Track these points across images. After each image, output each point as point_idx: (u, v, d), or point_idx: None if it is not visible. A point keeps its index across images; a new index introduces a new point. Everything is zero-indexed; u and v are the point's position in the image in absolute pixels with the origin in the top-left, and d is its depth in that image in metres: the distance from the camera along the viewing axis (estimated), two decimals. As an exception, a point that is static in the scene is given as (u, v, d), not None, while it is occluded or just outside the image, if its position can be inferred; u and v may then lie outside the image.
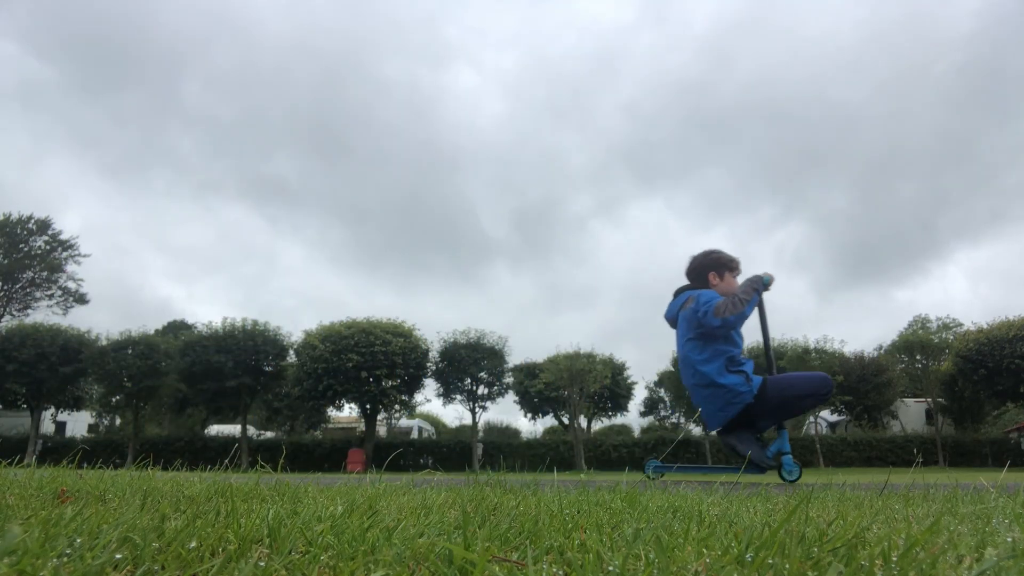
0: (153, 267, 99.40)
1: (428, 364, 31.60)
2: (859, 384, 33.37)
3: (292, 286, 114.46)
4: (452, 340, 31.69)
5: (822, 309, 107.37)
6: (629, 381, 35.50)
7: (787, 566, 0.75)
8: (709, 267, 5.94)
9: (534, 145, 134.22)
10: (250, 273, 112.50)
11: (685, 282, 6.17)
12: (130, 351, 30.15)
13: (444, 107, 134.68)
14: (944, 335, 34.48)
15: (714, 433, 6.07)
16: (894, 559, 0.81)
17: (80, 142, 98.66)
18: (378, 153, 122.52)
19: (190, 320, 57.90)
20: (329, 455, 31.37)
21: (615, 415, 36.58)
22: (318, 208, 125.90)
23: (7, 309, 44.82)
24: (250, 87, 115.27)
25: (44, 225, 47.11)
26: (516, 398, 33.72)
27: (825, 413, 36.20)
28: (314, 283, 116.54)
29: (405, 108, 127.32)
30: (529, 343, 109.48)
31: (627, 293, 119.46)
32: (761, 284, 5.76)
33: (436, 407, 75.19)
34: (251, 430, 35.04)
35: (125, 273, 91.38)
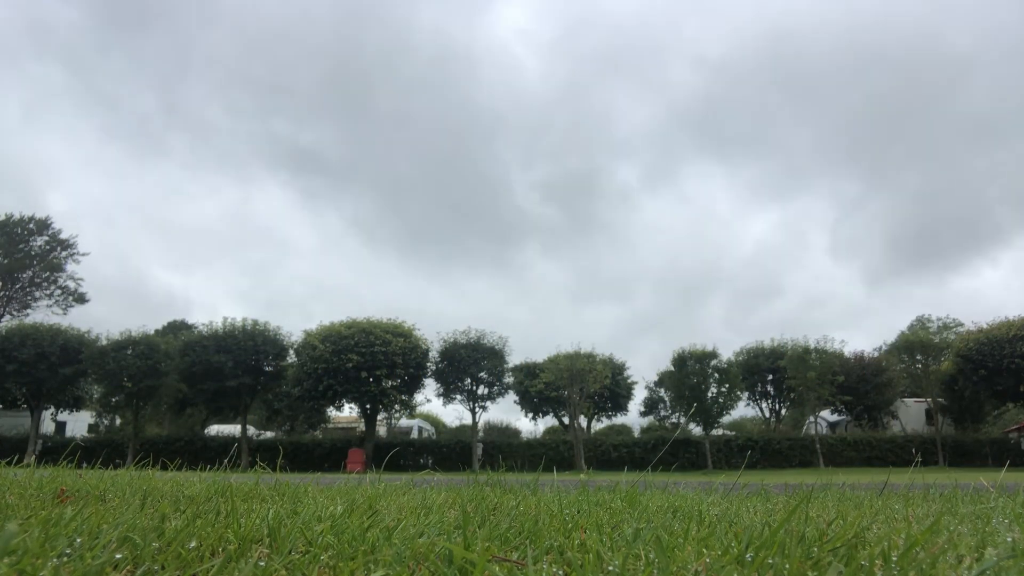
0: (160, 255, 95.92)
1: (428, 364, 31.59)
2: (859, 384, 33.37)
3: (305, 273, 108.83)
4: (452, 340, 31.70)
5: (871, 298, 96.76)
6: (629, 381, 35.51)
7: (787, 566, 0.75)
8: None
9: (578, 107, 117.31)
10: (260, 260, 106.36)
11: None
12: (130, 351, 30.14)
13: (479, 60, 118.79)
14: (944, 335, 34.48)
15: None
16: (894, 559, 0.81)
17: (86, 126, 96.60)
18: (404, 117, 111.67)
19: (198, 311, 57.99)
20: (329, 455, 31.37)
21: (615, 415, 36.57)
22: (339, 184, 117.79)
23: (7, 309, 44.82)
24: (272, 45, 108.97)
25: (44, 225, 47.12)
26: (516, 398, 33.73)
27: (825, 413, 36.21)
28: (329, 269, 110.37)
29: (434, 62, 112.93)
30: (555, 332, 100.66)
31: (662, 282, 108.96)
32: None
33: (436, 407, 74.61)
34: (251, 430, 35.04)
35: (131, 261, 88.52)
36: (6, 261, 44.86)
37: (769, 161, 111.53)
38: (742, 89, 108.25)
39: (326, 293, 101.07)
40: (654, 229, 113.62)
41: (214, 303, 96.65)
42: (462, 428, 40.69)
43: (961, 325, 34.99)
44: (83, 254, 48.12)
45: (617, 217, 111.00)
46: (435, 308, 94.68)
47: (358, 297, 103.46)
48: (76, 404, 33.30)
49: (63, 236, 47.39)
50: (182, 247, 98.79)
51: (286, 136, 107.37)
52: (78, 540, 0.92)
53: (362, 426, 34.19)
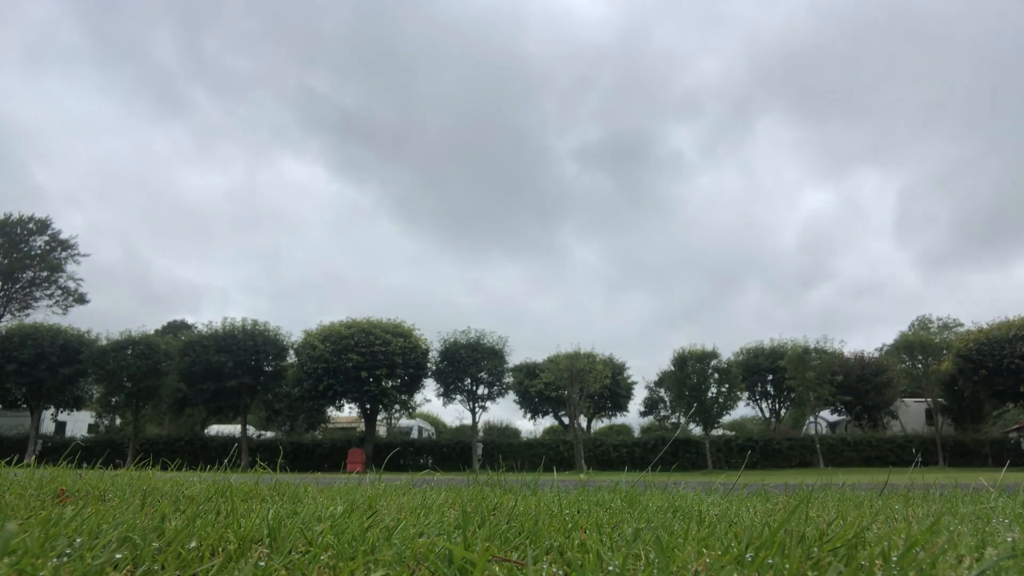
0: (175, 243, 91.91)
1: (428, 364, 31.59)
2: (859, 384, 33.37)
3: (322, 258, 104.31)
4: (452, 340, 31.70)
5: (929, 287, 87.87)
6: (629, 381, 35.50)
7: (787, 566, 0.75)
8: None
9: (634, 56, 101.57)
10: (273, 245, 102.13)
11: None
12: (130, 351, 30.13)
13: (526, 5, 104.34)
14: (945, 335, 34.48)
15: None
16: (894, 559, 0.81)
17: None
18: (437, 75, 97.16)
19: (213, 300, 57.99)
20: (329, 455, 31.36)
21: (615, 415, 36.57)
22: (369, 155, 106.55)
23: (7, 309, 44.81)
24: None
25: (44, 225, 47.11)
26: (516, 398, 33.72)
27: (825, 413, 36.22)
28: (351, 253, 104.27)
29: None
30: (584, 324, 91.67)
31: (707, 264, 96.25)
32: None
33: (436, 407, 73.70)
34: (251, 430, 35.03)
35: (135, 247, 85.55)
36: (6, 261, 44.84)
37: (854, 125, 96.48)
38: (842, 36, 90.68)
39: (343, 280, 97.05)
40: (707, 203, 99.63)
41: (226, 289, 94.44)
42: (462, 428, 40.69)
43: (961, 325, 35.01)
44: (84, 255, 48.13)
45: (666, 190, 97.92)
46: (455, 298, 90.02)
47: (374, 286, 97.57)
48: (76, 404, 33.29)
49: (63, 236, 47.40)
50: (204, 236, 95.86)
51: (311, 95, 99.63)
52: (78, 540, 0.92)
53: (362, 426, 34.19)
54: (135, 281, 80.00)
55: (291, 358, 31.52)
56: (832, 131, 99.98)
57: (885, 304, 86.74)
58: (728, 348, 35.36)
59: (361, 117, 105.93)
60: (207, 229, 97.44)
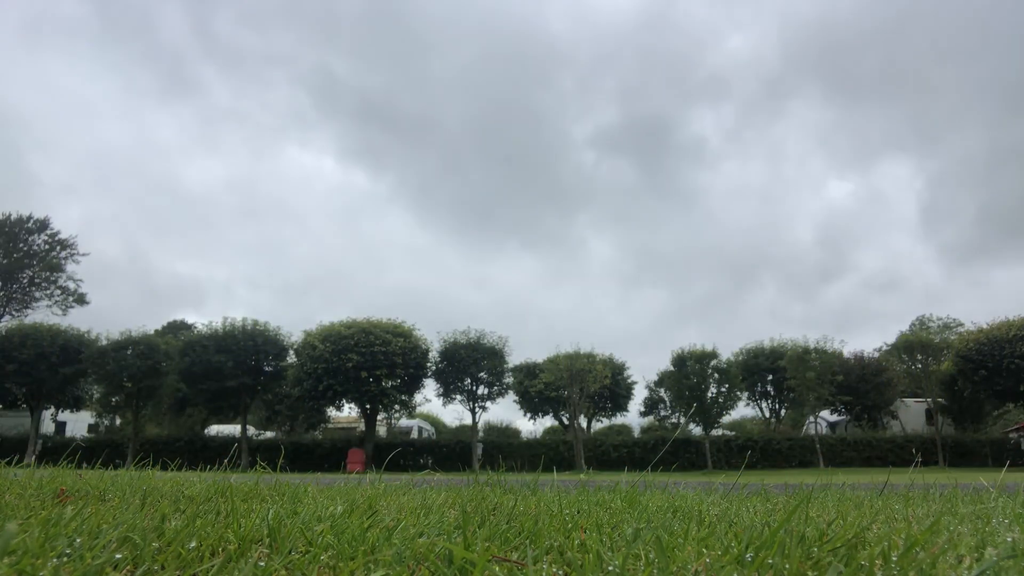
0: (170, 236, 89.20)
1: (428, 364, 31.59)
2: (859, 384, 33.36)
3: (324, 253, 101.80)
4: (452, 340, 31.69)
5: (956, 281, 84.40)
6: (629, 381, 35.49)
7: (787, 566, 0.75)
8: None
9: (655, 32, 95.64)
10: (278, 240, 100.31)
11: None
12: (130, 351, 30.13)
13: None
14: (945, 335, 34.48)
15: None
16: (894, 559, 0.81)
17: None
18: (450, 54, 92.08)
19: (219, 295, 57.92)
20: (329, 455, 31.36)
21: (615, 415, 36.57)
22: (377, 140, 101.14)
23: (7, 309, 44.79)
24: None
25: (43, 224, 47.11)
26: (516, 398, 33.71)
27: (825, 413, 36.20)
28: (363, 249, 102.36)
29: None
30: (596, 321, 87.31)
31: (722, 258, 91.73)
32: None
33: (436, 407, 72.93)
34: (251, 430, 35.04)
35: (136, 242, 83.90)
36: (6, 261, 44.84)
37: (891, 108, 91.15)
38: (886, 10, 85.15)
39: (349, 275, 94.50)
40: (728, 193, 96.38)
41: (230, 285, 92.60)
42: (462, 428, 40.68)
43: (961, 325, 35.02)
44: (83, 254, 48.14)
45: (686, 178, 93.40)
46: (462, 294, 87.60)
47: (381, 281, 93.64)
48: (76, 404, 33.30)
49: (62, 236, 47.41)
50: (207, 228, 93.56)
51: (325, 76, 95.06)
52: (78, 540, 0.92)
53: (362, 426, 34.19)
54: (135, 276, 79.24)
55: (291, 358, 31.53)
56: (866, 114, 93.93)
57: (906, 300, 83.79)
58: (744, 345, 35.15)
59: (376, 100, 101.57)
60: (210, 221, 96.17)
